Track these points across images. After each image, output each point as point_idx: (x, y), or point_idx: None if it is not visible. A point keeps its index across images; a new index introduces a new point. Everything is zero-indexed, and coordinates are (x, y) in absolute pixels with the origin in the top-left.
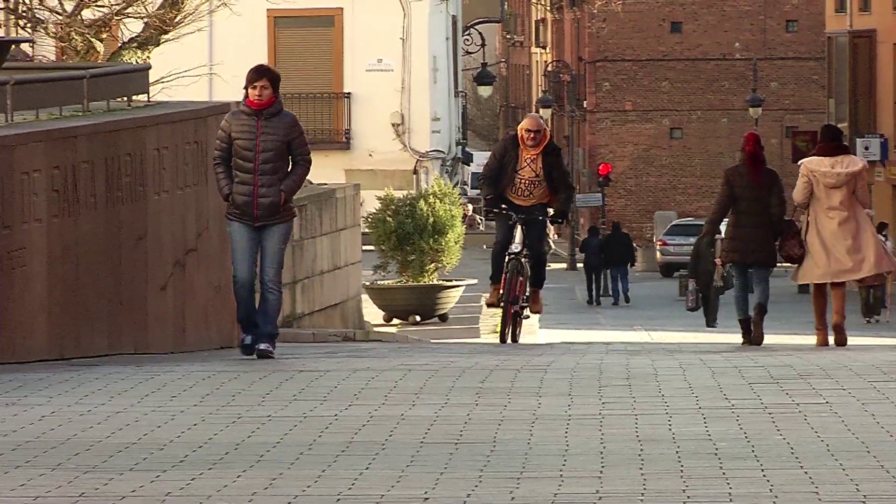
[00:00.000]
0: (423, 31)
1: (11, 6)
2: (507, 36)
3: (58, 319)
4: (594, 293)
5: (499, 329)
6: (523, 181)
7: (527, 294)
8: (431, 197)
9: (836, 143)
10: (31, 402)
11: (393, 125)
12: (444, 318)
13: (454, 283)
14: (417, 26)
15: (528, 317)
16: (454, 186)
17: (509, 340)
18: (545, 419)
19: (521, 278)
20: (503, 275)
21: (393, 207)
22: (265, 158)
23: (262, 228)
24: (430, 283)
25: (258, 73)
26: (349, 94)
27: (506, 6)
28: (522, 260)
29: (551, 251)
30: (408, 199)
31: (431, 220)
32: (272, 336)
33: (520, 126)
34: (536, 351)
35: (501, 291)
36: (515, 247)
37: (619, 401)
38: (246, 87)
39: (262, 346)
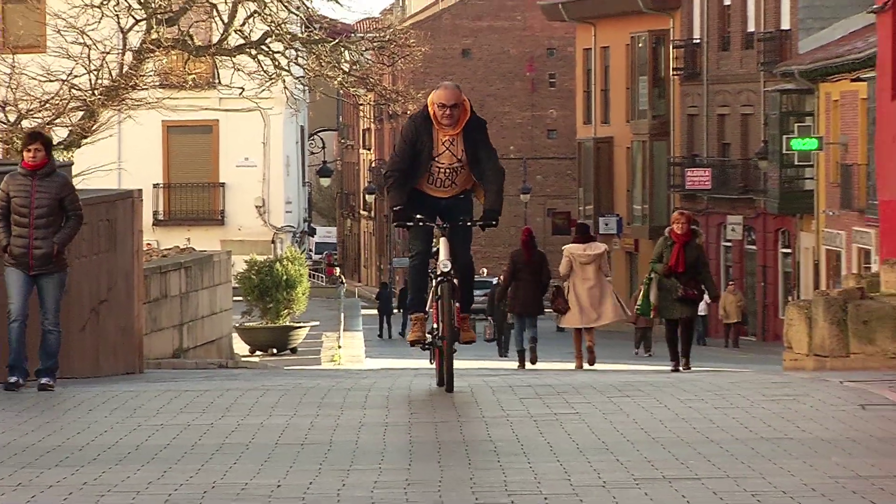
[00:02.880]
0: (279, 137)
1: None
2: (342, 140)
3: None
4: (385, 330)
5: (436, 369)
6: (442, 170)
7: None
8: (285, 260)
9: (587, 235)
10: None
11: (256, 207)
12: (294, 351)
13: (302, 324)
14: (275, 133)
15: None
16: (302, 253)
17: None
18: (368, 426)
19: (457, 305)
20: (434, 302)
21: (256, 268)
22: (39, 214)
23: (38, 277)
24: (284, 324)
25: (32, 138)
26: (224, 183)
27: (341, 119)
28: (455, 281)
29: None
30: (267, 262)
31: (285, 277)
32: (53, 370)
33: (430, 99)
34: (363, 375)
35: (435, 325)
36: (444, 265)
37: (424, 412)
38: (21, 151)
39: (44, 380)
